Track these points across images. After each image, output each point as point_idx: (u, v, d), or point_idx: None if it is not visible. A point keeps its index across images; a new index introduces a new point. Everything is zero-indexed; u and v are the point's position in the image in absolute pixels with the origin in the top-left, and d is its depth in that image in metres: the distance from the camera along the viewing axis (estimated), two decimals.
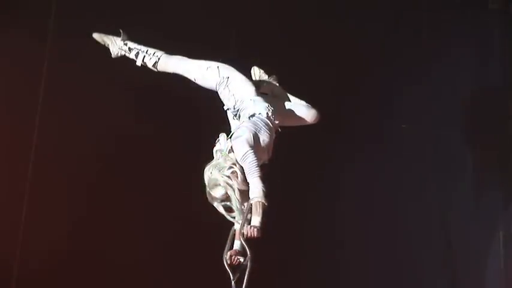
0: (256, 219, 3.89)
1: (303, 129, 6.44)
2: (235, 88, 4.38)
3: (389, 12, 7.50)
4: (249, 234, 3.88)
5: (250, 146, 4.05)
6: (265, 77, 4.82)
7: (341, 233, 6.80)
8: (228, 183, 4.04)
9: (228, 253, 4.00)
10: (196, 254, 6.02)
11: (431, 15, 7.70)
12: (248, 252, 3.91)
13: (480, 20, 7.95)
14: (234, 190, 4.04)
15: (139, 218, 6.14)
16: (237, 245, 4.09)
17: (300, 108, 4.56)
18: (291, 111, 4.55)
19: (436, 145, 7.49)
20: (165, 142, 6.30)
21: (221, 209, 4.11)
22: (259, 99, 4.34)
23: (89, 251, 5.94)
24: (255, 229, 3.87)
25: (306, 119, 4.52)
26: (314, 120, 4.52)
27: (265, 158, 4.25)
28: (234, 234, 4.11)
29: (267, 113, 4.26)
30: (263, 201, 3.92)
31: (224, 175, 4.05)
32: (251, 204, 3.93)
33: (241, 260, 4.02)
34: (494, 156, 7.75)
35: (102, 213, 6.04)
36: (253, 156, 4.01)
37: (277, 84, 4.73)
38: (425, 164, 7.42)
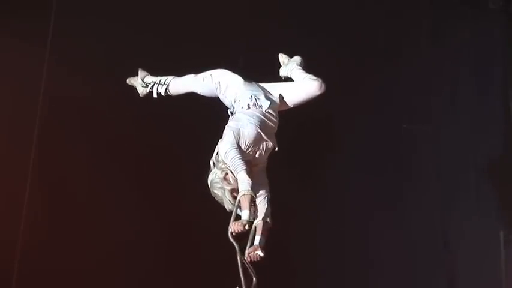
0: (244, 213, 3.94)
1: (303, 129, 6.48)
2: (226, 90, 4.45)
3: (390, 12, 7.50)
4: (235, 230, 3.92)
5: (231, 144, 4.12)
6: (286, 60, 4.81)
7: (340, 233, 6.80)
8: (219, 187, 4.14)
9: (247, 251, 4.02)
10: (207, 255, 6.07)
11: (431, 15, 7.71)
12: (237, 248, 3.92)
13: (480, 20, 7.95)
14: (224, 192, 4.12)
15: (141, 219, 6.14)
16: (257, 240, 4.09)
17: (304, 83, 4.55)
18: (295, 89, 4.54)
19: (436, 145, 7.50)
20: (168, 145, 6.31)
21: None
22: (244, 93, 4.38)
23: (89, 251, 5.94)
24: (238, 224, 3.91)
25: (311, 91, 4.50)
26: (320, 90, 4.47)
27: (270, 145, 4.26)
28: (255, 231, 4.11)
29: (248, 104, 4.31)
30: (249, 193, 3.95)
31: (216, 179, 4.15)
32: (239, 201, 3.98)
33: (261, 255, 4.02)
34: (494, 156, 7.75)
35: (102, 213, 6.05)
36: (235, 152, 4.07)
37: (296, 66, 4.70)
38: (426, 164, 7.43)
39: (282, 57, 4.83)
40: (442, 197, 7.40)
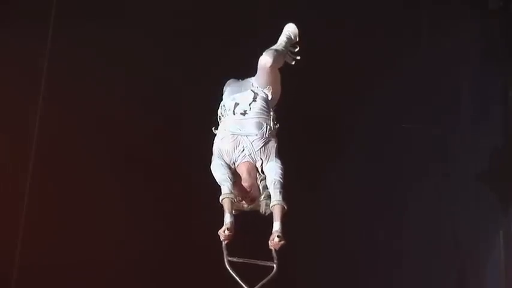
0: (226, 217, 4.05)
1: (303, 129, 6.48)
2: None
3: (390, 12, 7.50)
4: (221, 237, 4.03)
5: (213, 162, 4.22)
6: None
7: (341, 231, 6.81)
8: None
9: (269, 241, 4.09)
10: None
11: (431, 15, 7.71)
12: (224, 253, 4.01)
13: (480, 20, 7.95)
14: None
15: (142, 219, 6.14)
16: (274, 226, 4.11)
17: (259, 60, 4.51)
18: (259, 70, 4.49)
19: (436, 145, 7.49)
20: (168, 145, 6.31)
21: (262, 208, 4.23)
22: (223, 103, 4.41)
23: (88, 251, 5.95)
24: (220, 232, 4.02)
25: (261, 66, 4.40)
26: (266, 64, 4.36)
27: (254, 138, 4.25)
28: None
29: (219, 116, 4.38)
30: (226, 197, 4.06)
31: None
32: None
33: (277, 240, 4.04)
34: (494, 156, 7.75)
35: (102, 213, 6.05)
36: (214, 166, 4.20)
37: (282, 37, 4.63)
38: (426, 164, 7.42)
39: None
40: (442, 196, 7.40)
